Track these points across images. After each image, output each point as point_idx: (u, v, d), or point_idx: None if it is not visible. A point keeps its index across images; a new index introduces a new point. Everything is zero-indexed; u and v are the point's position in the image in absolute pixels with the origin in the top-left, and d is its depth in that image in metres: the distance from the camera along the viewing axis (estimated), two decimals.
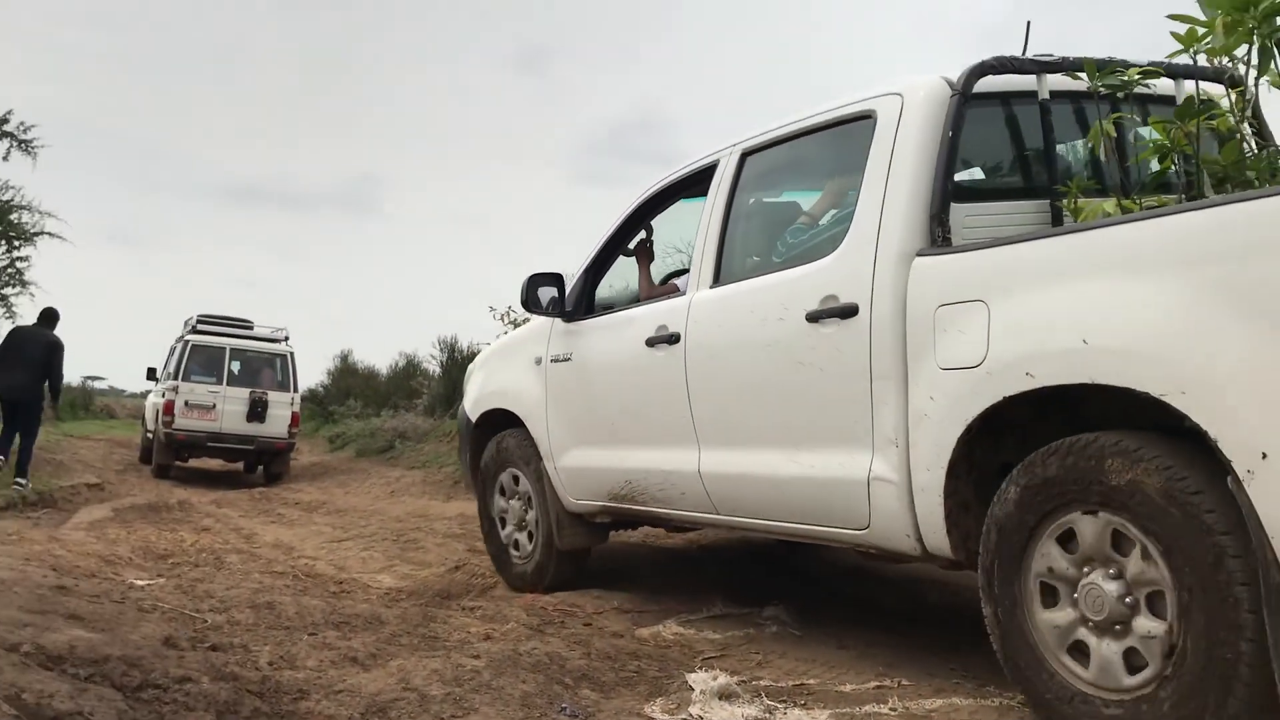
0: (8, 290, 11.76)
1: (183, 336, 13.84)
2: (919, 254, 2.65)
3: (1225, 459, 1.95)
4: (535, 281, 4.14)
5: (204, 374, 13.28)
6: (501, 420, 4.55)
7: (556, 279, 4.16)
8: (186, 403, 12.84)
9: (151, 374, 15.05)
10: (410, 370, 20.69)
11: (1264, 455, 1.89)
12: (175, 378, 13.11)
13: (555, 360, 4.17)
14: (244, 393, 13.20)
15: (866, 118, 2.94)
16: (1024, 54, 2.92)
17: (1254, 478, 1.91)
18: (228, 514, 8.72)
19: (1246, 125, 2.58)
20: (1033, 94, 2.83)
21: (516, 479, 4.47)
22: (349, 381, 22.96)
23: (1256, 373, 1.92)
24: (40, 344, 9.18)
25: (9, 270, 11.71)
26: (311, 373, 26.76)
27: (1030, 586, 2.38)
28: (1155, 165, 2.73)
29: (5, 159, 11.24)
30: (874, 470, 2.73)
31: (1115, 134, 2.79)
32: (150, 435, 14.18)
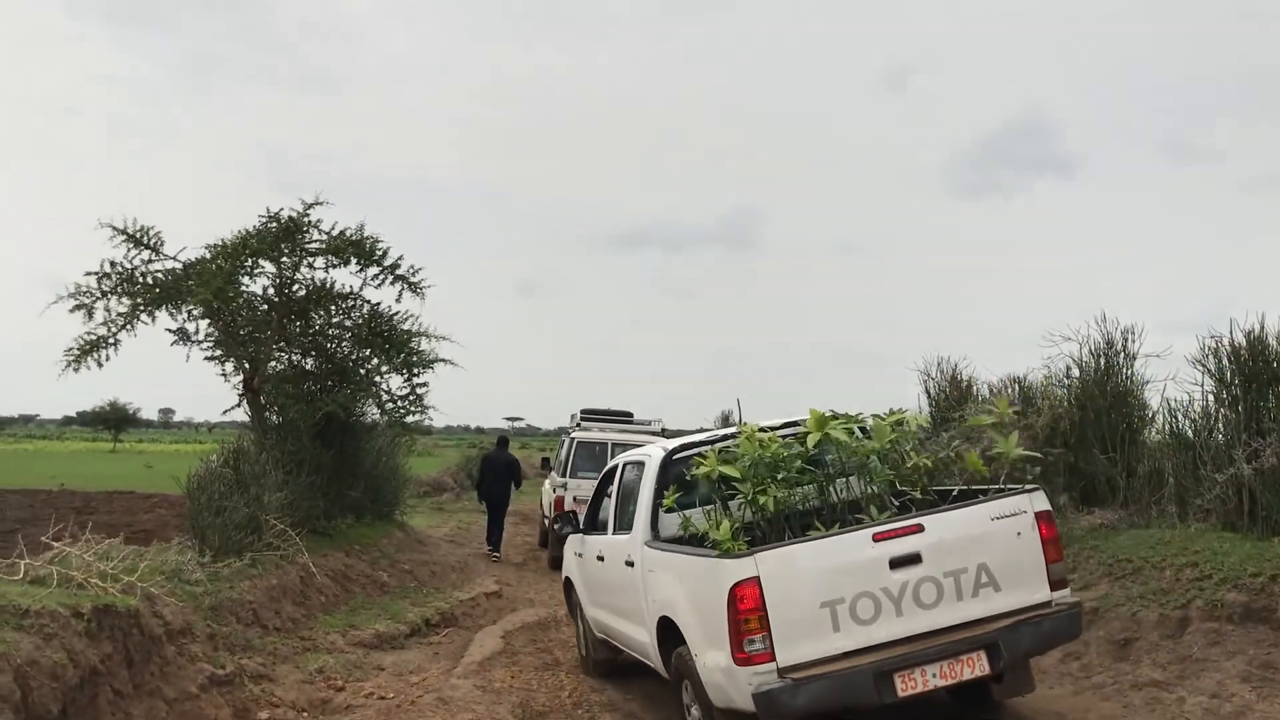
0: (410, 419, 12.14)
1: (569, 431, 15.39)
2: (646, 543, 5.87)
3: (690, 653, 5.05)
4: (564, 516, 7.77)
5: (589, 469, 14.09)
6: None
7: (575, 515, 7.75)
8: (575, 498, 13.76)
9: (546, 463, 17.77)
10: None
11: (695, 654, 4.99)
12: (564, 474, 14.55)
13: (579, 555, 7.68)
14: None
15: (644, 462, 6.20)
16: (740, 417, 6.04)
17: (694, 662, 5.01)
18: None
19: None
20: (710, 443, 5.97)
21: (581, 617, 7.98)
22: None
23: (692, 619, 5.02)
24: (505, 463, 15.31)
25: (409, 398, 11.94)
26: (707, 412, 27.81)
27: (684, 693, 5.49)
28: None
29: (398, 300, 11.68)
30: (646, 637, 5.95)
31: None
32: (547, 521, 15.73)
